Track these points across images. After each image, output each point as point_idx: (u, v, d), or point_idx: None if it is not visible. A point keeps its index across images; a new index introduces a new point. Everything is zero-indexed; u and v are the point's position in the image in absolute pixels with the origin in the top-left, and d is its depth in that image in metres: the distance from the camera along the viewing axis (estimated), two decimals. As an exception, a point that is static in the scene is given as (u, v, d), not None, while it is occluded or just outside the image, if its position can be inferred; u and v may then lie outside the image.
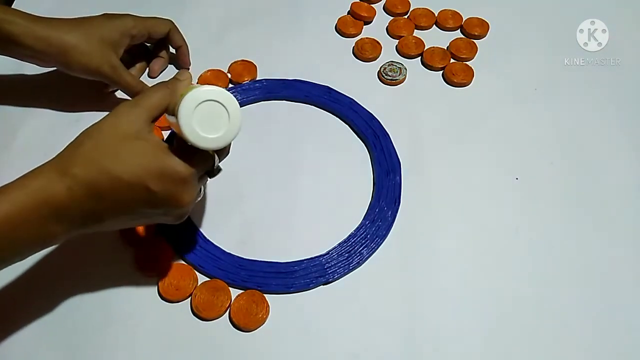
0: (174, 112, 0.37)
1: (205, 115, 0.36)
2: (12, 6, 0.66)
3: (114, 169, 0.35)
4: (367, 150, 0.54)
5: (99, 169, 0.35)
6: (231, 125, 0.37)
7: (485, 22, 0.65)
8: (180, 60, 0.59)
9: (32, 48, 0.47)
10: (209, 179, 0.41)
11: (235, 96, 0.56)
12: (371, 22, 0.66)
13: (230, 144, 0.40)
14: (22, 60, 0.50)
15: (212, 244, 0.46)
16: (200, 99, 0.35)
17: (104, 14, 0.52)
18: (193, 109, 0.35)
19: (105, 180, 0.34)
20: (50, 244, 0.37)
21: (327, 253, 0.46)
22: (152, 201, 0.36)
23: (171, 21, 0.57)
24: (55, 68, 0.51)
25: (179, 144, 0.38)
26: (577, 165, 0.53)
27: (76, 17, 0.51)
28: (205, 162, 0.39)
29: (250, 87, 0.58)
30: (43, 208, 0.34)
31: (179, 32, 0.58)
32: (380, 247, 0.47)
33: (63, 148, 0.36)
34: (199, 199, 0.41)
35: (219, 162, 0.40)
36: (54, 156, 0.36)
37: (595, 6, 0.66)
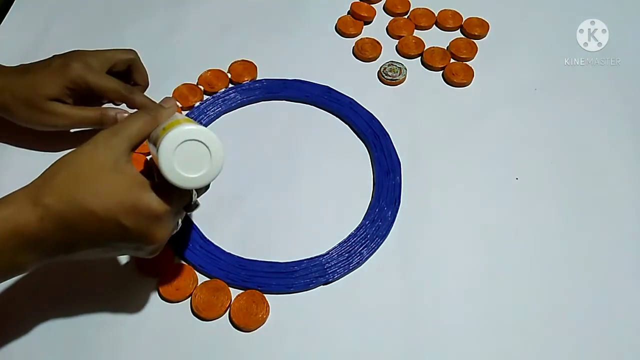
0: (155, 141, 0.36)
1: (187, 154, 0.34)
2: (12, 8, 0.66)
3: (86, 202, 0.34)
4: (367, 150, 0.54)
5: (71, 200, 0.34)
6: (213, 165, 0.35)
7: (485, 22, 0.65)
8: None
9: None
10: (186, 213, 0.41)
11: (235, 96, 0.57)
12: (371, 22, 0.66)
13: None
14: None
15: (212, 244, 0.47)
16: (183, 138, 0.34)
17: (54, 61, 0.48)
18: (174, 148, 0.34)
19: (77, 212, 0.34)
20: (20, 272, 0.36)
21: (327, 253, 0.46)
22: (124, 236, 0.35)
23: (134, 52, 0.52)
24: None
25: (157, 178, 0.37)
26: (577, 165, 0.53)
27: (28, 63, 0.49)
28: (182, 198, 0.38)
29: (250, 87, 0.58)
30: (13, 237, 0.33)
31: (142, 67, 0.53)
32: (380, 247, 0.47)
33: (38, 176, 0.35)
34: (175, 231, 0.40)
35: (197, 197, 0.40)
36: (28, 184, 0.35)
37: (595, 6, 0.66)
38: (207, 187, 0.40)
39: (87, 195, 0.34)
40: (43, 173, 0.36)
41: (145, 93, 0.55)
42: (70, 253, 0.36)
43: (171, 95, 0.56)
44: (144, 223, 0.35)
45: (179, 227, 0.41)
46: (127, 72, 0.52)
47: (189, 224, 0.47)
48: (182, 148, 0.34)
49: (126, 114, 0.49)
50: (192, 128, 0.35)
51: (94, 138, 0.36)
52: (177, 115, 0.40)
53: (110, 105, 0.51)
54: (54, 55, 0.49)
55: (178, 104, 0.41)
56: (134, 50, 0.52)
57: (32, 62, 0.49)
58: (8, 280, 0.43)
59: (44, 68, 0.48)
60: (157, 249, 0.38)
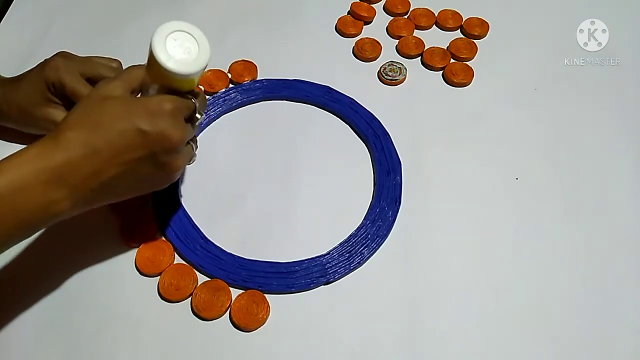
0: (147, 88, 0.40)
1: (176, 44, 0.38)
2: (12, 6, 0.66)
3: (103, 121, 0.36)
4: (367, 150, 0.54)
5: (89, 125, 0.36)
6: (202, 51, 0.39)
7: (485, 22, 0.65)
8: None
9: None
10: (196, 141, 0.44)
11: (235, 96, 0.57)
12: (371, 22, 0.66)
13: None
14: None
15: (213, 244, 0.46)
16: (169, 29, 0.38)
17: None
18: (164, 38, 0.37)
19: (97, 133, 0.36)
20: (57, 215, 0.36)
21: (328, 253, 0.46)
22: (146, 144, 0.37)
23: (119, 67, 0.51)
24: None
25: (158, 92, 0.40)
26: (577, 165, 0.53)
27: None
28: (184, 101, 0.40)
29: (250, 87, 0.58)
30: (41, 173, 0.34)
31: None
32: (381, 247, 0.47)
33: None
34: (192, 160, 0.44)
35: (199, 113, 0.42)
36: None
37: (595, 6, 0.67)
38: (204, 101, 0.44)
39: (102, 115, 0.37)
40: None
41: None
42: (101, 182, 0.37)
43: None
44: (160, 122, 0.37)
45: (195, 157, 0.45)
46: None
47: (189, 223, 0.47)
48: (171, 38, 0.38)
49: None
50: (175, 22, 0.38)
51: (95, 85, 0.40)
52: None
53: None
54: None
55: None
56: (120, 69, 0.51)
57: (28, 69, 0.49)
58: (8, 278, 0.44)
59: (30, 71, 0.48)
60: (179, 165, 0.40)
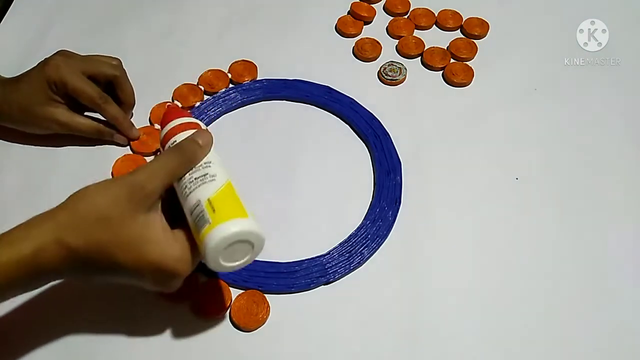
0: (187, 189, 0.37)
1: (233, 248, 0.35)
2: (12, 6, 0.66)
3: (115, 255, 0.33)
4: (367, 150, 0.54)
5: (99, 250, 0.33)
6: (253, 255, 0.37)
7: (485, 22, 0.65)
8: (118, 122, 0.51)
9: None
10: None
11: (235, 96, 0.57)
12: (371, 22, 0.66)
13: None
14: None
15: (213, 244, 0.46)
16: (232, 240, 0.35)
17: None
18: (223, 249, 0.35)
19: (103, 261, 0.34)
20: (33, 289, 0.37)
21: (328, 253, 0.46)
22: (144, 283, 0.36)
23: (120, 69, 0.50)
24: None
25: (186, 236, 0.36)
26: (577, 165, 0.53)
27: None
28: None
29: (250, 87, 0.58)
30: (33, 272, 0.33)
31: (127, 85, 0.51)
32: (381, 247, 0.47)
33: (61, 204, 0.34)
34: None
35: None
36: (49, 211, 0.34)
37: (595, 6, 0.67)
38: None
39: (116, 249, 0.33)
40: (66, 204, 0.34)
41: (145, 94, 0.55)
42: (87, 282, 0.37)
43: (171, 100, 0.56)
44: (166, 279, 0.35)
45: None
46: (111, 87, 0.51)
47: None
48: (229, 247, 0.35)
49: (122, 139, 0.51)
50: (239, 231, 0.35)
51: (128, 180, 0.35)
52: (211, 158, 0.39)
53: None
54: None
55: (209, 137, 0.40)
56: (121, 67, 0.50)
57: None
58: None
59: (31, 71, 0.48)
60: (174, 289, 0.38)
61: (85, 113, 0.51)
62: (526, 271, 0.46)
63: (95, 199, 0.34)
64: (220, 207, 0.36)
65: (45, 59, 0.48)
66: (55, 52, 0.49)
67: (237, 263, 0.36)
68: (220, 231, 0.34)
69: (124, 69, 0.51)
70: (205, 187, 0.37)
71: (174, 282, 0.36)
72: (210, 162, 0.38)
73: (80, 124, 0.50)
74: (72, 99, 0.48)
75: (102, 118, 0.51)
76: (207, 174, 0.37)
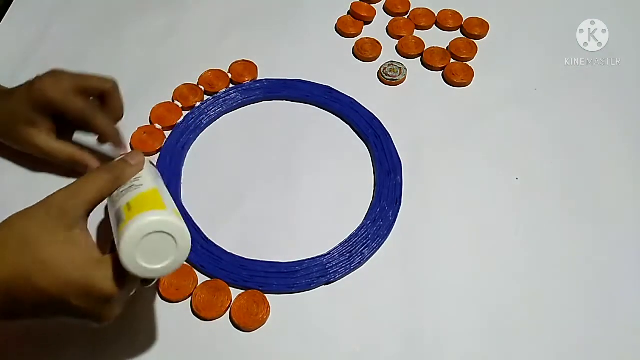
0: (114, 202, 0.36)
1: (151, 245, 0.32)
2: (12, 6, 0.66)
3: (36, 280, 0.32)
4: (367, 150, 0.54)
5: (20, 275, 0.32)
6: (178, 255, 0.33)
7: (485, 22, 0.65)
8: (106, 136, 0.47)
9: None
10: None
11: (235, 96, 0.57)
12: (371, 22, 0.66)
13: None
14: None
15: (214, 244, 0.46)
16: (147, 231, 0.32)
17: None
18: (137, 242, 0.32)
19: (25, 288, 0.32)
20: None
21: (329, 253, 0.46)
22: (72, 313, 0.34)
23: (112, 83, 0.47)
24: None
25: (113, 256, 0.34)
26: (577, 165, 0.53)
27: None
28: (136, 281, 0.35)
29: (250, 87, 0.58)
30: None
31: (118, 100, 0.48)
32: (382, 247, 0.47)
33: None
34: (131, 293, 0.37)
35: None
36: None
37: (595, 6, 0.67)
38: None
39: (37, 272, 0.32)
40: None
41: (145, 94, 0.55)
42: (10, 320, 0.35)
43: (172, 100, 0.56)
44: (95, 304, 0.33)
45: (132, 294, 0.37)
46: (102, 101, 0.48)
47: (189, 224, 0.47)
48: (145, 240, 0.32)
49: (96, 165, 0.46)
50: (155, 219, 0.32)
51: (48, 200, 0.34)
52: (143, 175, 0.38)
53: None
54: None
55: (147, 160, 0.40)
56: (113, 81, 0.47)
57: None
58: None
59: (19, 89, 0.46)
60: (106, 324, 0.35)
61: (74, 137, 0.49)
62: (526, 271, 0.46)
63: (14, 224, 0.33)
64: (137, 206, 0.34)
65: (33, 78, 0.46)
66: (45, 72, 0.46)
67: (160, 266, 0.33)
68: (133, 222, 0.32)
69: (115, 83, 0.48)
70: (128, 195, 0.35)
71: (106, 309, 0.34)
72: (140, 177, 0.37)
73: (55, 150, 0.47)
74: (62, 119, 0.46)
75: (86, 145, 0.49)
76: (132, 185, 0.36)
